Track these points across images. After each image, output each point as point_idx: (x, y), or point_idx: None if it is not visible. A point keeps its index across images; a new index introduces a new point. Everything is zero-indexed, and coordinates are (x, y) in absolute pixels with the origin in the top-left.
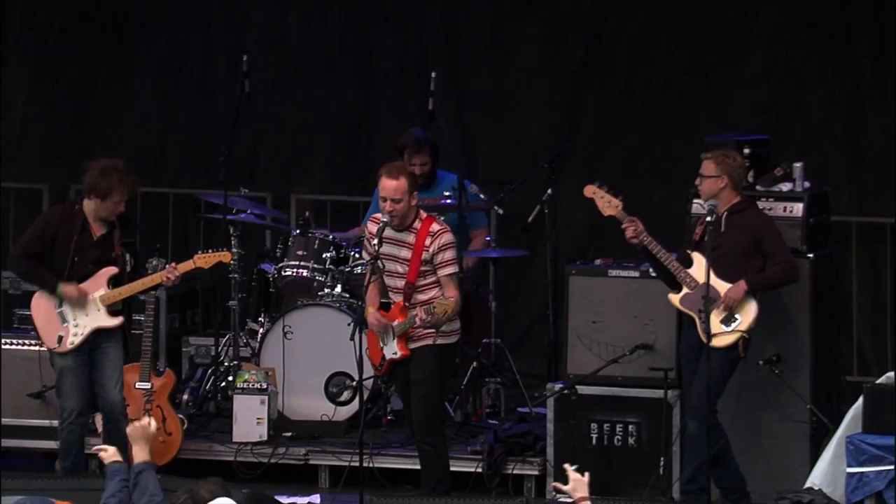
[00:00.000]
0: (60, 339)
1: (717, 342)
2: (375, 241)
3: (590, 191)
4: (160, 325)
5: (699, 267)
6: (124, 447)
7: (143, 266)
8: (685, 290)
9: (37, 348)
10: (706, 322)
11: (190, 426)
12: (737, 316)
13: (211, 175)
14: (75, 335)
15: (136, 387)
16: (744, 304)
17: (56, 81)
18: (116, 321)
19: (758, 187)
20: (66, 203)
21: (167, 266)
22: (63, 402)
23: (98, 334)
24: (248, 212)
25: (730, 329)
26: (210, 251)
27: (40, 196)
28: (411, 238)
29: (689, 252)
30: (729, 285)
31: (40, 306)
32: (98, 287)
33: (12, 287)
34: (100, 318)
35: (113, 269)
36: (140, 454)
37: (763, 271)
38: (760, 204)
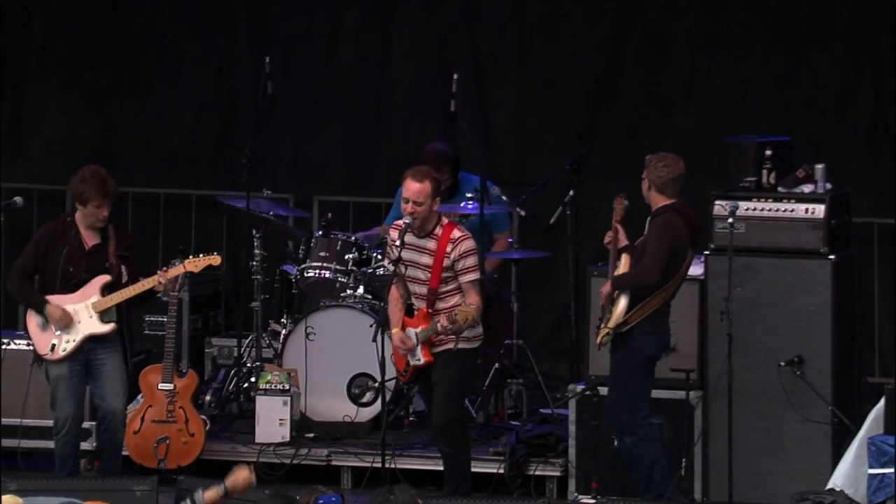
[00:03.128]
0: (53, 346)
1: (598, 340)
2: (398, 243)
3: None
4: (183, 326)
5: (624, 268)
6: (118, 456)
7: (144, 276)
8: None
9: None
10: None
11: (212, 427)
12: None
13: (234, 177)
14: (67, 342)
15: (159, 388)
16: (618, 300)
17: (80, 84)
18: (108, 328)
19: (780, 189)
20: (58, 216)
21: (158, 271)
22: (57, 412)
23: (94, 343)
24: (271, 213)
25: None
26: (201, 255)
27: (63, 198)
28: (432, 245)
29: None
30: None
31: (33, 315)
32: (91, 294)
33: None
34: (91, 325)
35: (106, 277)
36: None
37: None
38: (783, 205)
